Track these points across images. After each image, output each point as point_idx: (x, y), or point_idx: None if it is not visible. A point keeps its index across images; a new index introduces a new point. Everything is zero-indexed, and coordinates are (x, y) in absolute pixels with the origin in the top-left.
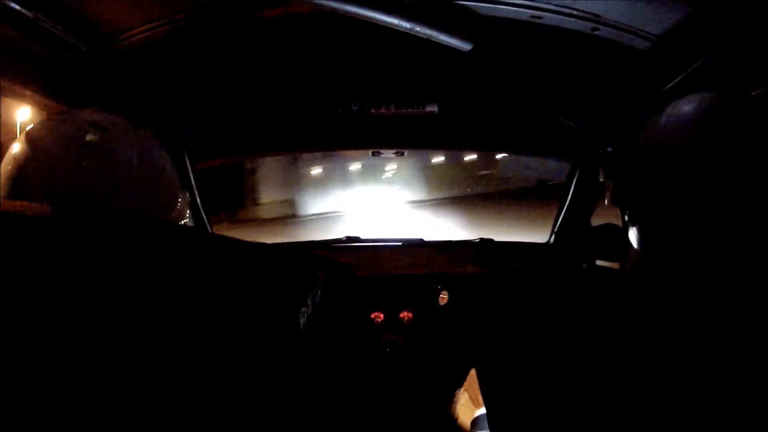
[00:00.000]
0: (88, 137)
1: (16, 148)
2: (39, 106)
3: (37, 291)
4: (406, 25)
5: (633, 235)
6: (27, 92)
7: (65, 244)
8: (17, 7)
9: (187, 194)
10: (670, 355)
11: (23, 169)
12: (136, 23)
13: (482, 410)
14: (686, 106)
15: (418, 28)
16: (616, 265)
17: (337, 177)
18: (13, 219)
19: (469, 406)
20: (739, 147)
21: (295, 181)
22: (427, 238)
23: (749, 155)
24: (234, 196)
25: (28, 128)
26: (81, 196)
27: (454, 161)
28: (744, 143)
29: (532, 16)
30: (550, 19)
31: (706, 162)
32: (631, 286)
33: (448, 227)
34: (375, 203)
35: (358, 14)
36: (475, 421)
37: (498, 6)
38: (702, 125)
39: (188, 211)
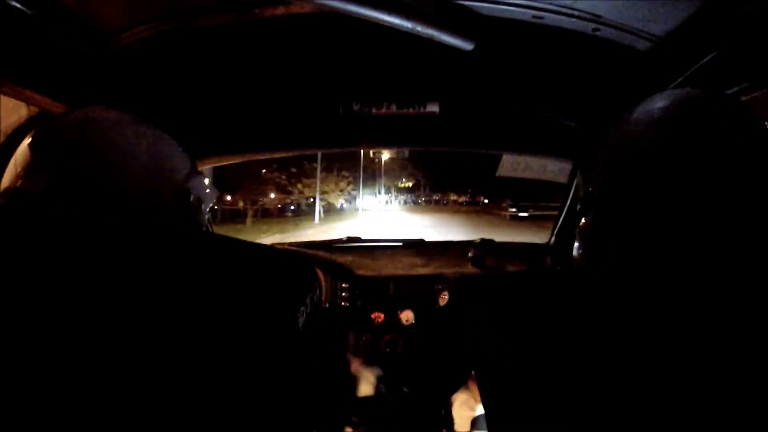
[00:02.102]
0: (93, 135)
1: (23, 147)
2: (39, 106)
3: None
4: (407, 24)
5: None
6: (27, 92)
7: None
8: (17, 6)
9: (188, 193)
10: (669, 356)
11: (29, 168)
12: (136, 23)
13: (481, 410)
14: (652, 106)
15: (419, 28)
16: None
17: None
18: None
19: (468, 406)
20: (704, 147)
21: None
22: (427, 239)
23: (714, 156)
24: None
25: (35, 129)
26: (86, 193)
27: None
28: (710, 144)
29: (534, 17)
30: (551, 19)
31: (669, 163)
32: (628, 286)
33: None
34: None
35: (359, 14)
36: (475, 421)
37: (499, 6)
38: (667, 125)
39: (189, 211)
